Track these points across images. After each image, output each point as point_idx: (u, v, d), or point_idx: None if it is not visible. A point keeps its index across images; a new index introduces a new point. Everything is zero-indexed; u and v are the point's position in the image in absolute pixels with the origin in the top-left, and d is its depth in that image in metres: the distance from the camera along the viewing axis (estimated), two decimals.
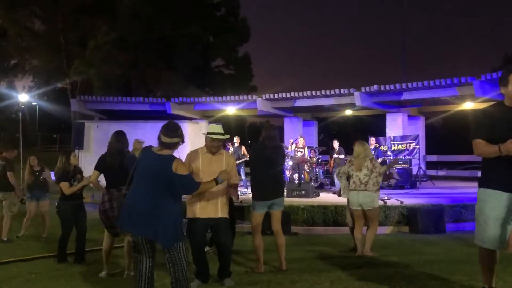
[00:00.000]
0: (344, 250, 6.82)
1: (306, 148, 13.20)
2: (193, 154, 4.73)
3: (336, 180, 12.22)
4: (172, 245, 3.71)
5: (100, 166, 5.34)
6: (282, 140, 17.15)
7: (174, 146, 3.85)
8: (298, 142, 13.08)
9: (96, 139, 16.92)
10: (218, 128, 4.79)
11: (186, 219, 4.64)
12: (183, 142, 3.92)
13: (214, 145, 4.70)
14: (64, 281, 5.00)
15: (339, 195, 6.90)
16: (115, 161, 5.12)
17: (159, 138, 3.85)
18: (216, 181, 4.17)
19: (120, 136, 5.30)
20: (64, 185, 6.00)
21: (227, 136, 4.86)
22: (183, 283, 3.73)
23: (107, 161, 5.25)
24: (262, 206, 5.31)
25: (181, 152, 4.17)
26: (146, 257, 3.77)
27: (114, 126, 16.95)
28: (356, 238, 6.40)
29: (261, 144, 5.39)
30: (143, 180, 3.76)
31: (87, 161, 14.34)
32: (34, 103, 33.06)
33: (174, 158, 3.78)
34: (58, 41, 26.14)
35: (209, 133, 4.70)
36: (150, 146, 3.92)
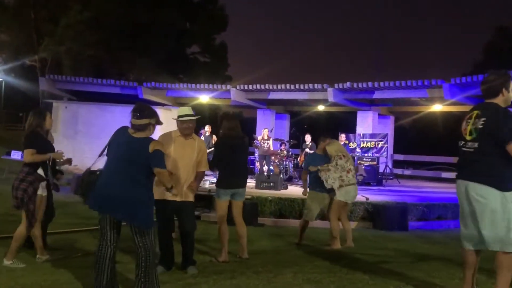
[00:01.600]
0: (310, 242, 6.87)
1: (271, 140, 13.32)
2: (165, 137, 4.70)
3: None
4: (150, 227, 3.70)
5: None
6: (254, 131, 17.17)
7: (146, 127, 3.76)
8: (263, 134, 13.25)
9: (64, 120, 16.54)
10: (186, 110, 4.79)
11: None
12: (158, 123, 3.84)
13: (185, 127, 4.68)
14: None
15: (305, 194, 6.90)
16: None
17: (130, 122, 3.79)
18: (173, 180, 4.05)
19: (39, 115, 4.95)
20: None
21: (196, 117, 4.80)
22: (153, 268, 3.69)
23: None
24: (225, 194, 5.35)
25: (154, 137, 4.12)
26: (110, 242, 3.71)
27: (83, 108, 16.90)
28: (348, 230, 6.57)
29: (225, 134, 5.41)
30: (117, 161, 3.70)
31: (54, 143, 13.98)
32: (0, 79, 31.92)
33: (151, 139, 3.74)
34: (28, 16, 25.29)
35: (179, 116, 4.67)
36: (126, 127, 3.83)
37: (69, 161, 5.26)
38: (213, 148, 12.73)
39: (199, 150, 4.76)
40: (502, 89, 3.54)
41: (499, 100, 3.55)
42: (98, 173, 3.98)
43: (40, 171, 4.78)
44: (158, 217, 4.61)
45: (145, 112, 3.79)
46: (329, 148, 6.58)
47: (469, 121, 3.58)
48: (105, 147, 3.86)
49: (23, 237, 4.72)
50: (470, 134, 3.53)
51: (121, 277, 4.16)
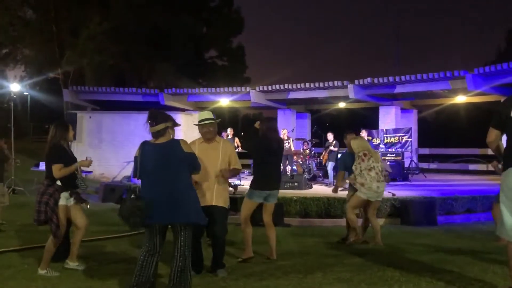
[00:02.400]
0: (336, 240, 6.82)
1: (291, 139, 13.28)
2: (190, 144, 4.74)
3: (330, 172, 12.27)
4: (205, 221, 3.86)
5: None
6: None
7: (164, 132, 3.81)
8: (282, 134, 13.21)
9: (89, 130, 16.86)
10: (206, 114, 4.83)
11: None
12: (175, 125, 3.89)
13: (206, 131, 4.72)
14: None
15: (336, 191, 6.88)
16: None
17: (149, 131, 3.86)
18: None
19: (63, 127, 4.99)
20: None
21: (217, 120, 4.85)
22: (188, 269, 3.75)
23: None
24: (259, 196, 5.36)
25: None
26: (156, 249, 3.78)
27: (107, 117, 17.19)
28: (376, 228, 6.47)
29: (264, 136, 5.41)
30: (155, 172, 3.74)
31: (79, 152, 14.28)
32: (26, 93, 32.72)
33: (179, 140, 3.83)
34: (50, 31, 25.83)
35: (199, 121, 4.72)
36: (146, 141, 3.89)
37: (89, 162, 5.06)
38: (236, 151, 12.87)
39: (225, 151, 4.78)
40: None
41: None
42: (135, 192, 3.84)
43: (59, 182, 4.81)
44: None
45: (159, 117, 3.83)
46: (353, 143, 6.54)
47: None
48: (135, 166, 3.86)
49: (52, 249, 4.79)
50: None
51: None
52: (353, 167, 6.35)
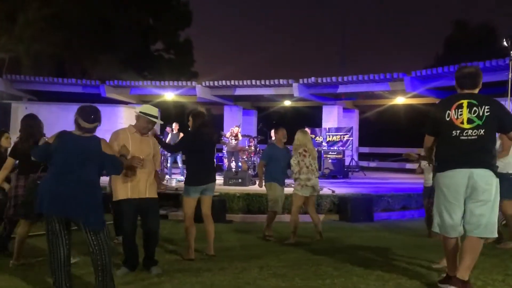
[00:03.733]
0: (278, 237, 6.89)
1: (240, 136, 13.31)
2: (120, 134, 4.55)
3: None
4: (103, 227, 3.67)
5: (14, 153, 5.06)
6: (222, 128, 17.12)
7: (95, 130, 3.85)
8: (232, 131, 13.23)
9: None
10: (154, 110, 4.71)
11: (115, 201, 4.52)
12: (100, 124, 3.89)
13: (146, 127, 4.61)
14: None
15: (261, 186, 7.05)
16: (27, 147, 4.81)
17: (76, 122, 3.78)
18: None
19: (30, 120, 5.06)
20: None
21: (160, 122, 4.89)
22: (109, 268, 3.65)
23: (18, 147, 4.99)
24: (195, 191, 5.32)
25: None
26: (63, 244, 3.66)
27: (44, 108, 16.43)
28: (317, 223, 6.61)
29: (196, 131, 5.36)
30: (67, 163, 3.64)
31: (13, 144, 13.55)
32: None
33: (100, 138, 3.81)
34: None
35: (146, 114, 4.59)
36: (65, 131, 3.83)
37: None
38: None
39: (154, 147, 4.74)
40: (480, 82, 3.73)
41: (476, 92, 3.73)
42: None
43: None
44: (123, 217, 4.54)
45: (98, 115, 3.84)
46: (297, 135, 6.65)
47: (461, 110, 3.62)
48: (42, 152, 3.83)
49: None
50: (470, 122, 3.58)
51: (79, 281, 4.09)
52: (293, 162, 6.49)
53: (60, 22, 24.16)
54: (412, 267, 4.49)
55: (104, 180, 5.05)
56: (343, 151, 15.06)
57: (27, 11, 23.11)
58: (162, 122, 4.88)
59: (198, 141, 5.34)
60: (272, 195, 6.78)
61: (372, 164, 18.78)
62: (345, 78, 14.43)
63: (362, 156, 18.84)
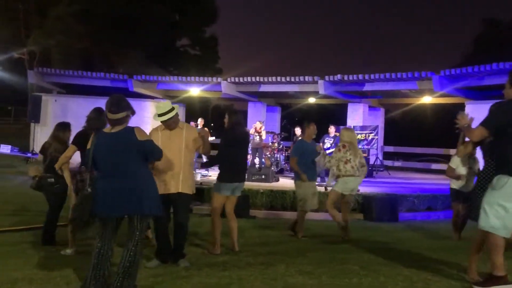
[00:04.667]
0: (304, 234, 6.86)
1: (263, 132, 13.32)
2: (152, 132, 4.72)
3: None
4: (159, 211, 3.74)
5: (79, 142, 5.07)
6: (245, 124, 17.17)
7: (124, 120, 3.68)
8: (256, 126, 13.24)
9: (54, 113, 16.40)
10: (163, 106, 4.61)
11: None
12: (133, 113, 3.76)
13: (167, 123, 4.64)
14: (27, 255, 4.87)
15: (305, 180, 6.77)
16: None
17: (106, 116, 3.71)
18: None
19: (100, 114, 4.90)
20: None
21: (172, 114, 4.57)
22: (132, 270, 3.59)
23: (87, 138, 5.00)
24: (227, 188, 5.37)
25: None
26: (109, 242, 3.66)
27: (73, 101, 16.76)
28: (346, 222, 6.54)
29: (231, 129, 5.42)
30: (108, 162, 3.63)
31: (43, 135, 13.88)
32: None
33: (133, 128, 3.68)
34: (16, 8, 24.92)
35: (156, 117, 4.62)
36: (99, 131, 3.79)
37: None
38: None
39: (188, 137, 4.68)
40: None
41: None
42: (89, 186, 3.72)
43: None
44: None
45: (123, 104, 3.70)
46: (341, 132, 6.75)
47: None
48: (87, 159, 3.72)
49: None
50: None
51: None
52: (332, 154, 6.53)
53: (88, 17, 24.61)
54: (441, 268, 4.44)
55: None
56: (368, 150, 14.92)
57: (58, 7, 23.61)
58: (175, 112, 4.71)
59: (236, 138, 5.39)
60: (302, 193, 6.74)
61: (397, 164, 18.54)
62: (372, 76, 14.25)
63: (386, 155, 18.62)
